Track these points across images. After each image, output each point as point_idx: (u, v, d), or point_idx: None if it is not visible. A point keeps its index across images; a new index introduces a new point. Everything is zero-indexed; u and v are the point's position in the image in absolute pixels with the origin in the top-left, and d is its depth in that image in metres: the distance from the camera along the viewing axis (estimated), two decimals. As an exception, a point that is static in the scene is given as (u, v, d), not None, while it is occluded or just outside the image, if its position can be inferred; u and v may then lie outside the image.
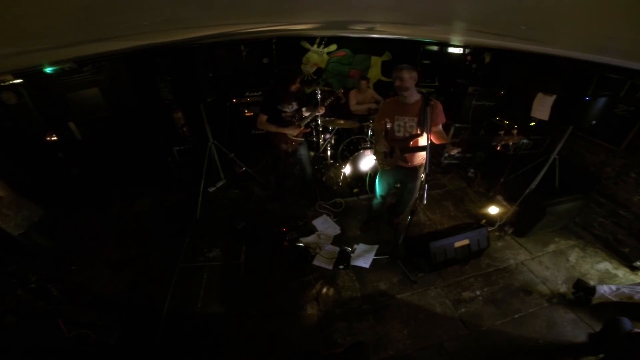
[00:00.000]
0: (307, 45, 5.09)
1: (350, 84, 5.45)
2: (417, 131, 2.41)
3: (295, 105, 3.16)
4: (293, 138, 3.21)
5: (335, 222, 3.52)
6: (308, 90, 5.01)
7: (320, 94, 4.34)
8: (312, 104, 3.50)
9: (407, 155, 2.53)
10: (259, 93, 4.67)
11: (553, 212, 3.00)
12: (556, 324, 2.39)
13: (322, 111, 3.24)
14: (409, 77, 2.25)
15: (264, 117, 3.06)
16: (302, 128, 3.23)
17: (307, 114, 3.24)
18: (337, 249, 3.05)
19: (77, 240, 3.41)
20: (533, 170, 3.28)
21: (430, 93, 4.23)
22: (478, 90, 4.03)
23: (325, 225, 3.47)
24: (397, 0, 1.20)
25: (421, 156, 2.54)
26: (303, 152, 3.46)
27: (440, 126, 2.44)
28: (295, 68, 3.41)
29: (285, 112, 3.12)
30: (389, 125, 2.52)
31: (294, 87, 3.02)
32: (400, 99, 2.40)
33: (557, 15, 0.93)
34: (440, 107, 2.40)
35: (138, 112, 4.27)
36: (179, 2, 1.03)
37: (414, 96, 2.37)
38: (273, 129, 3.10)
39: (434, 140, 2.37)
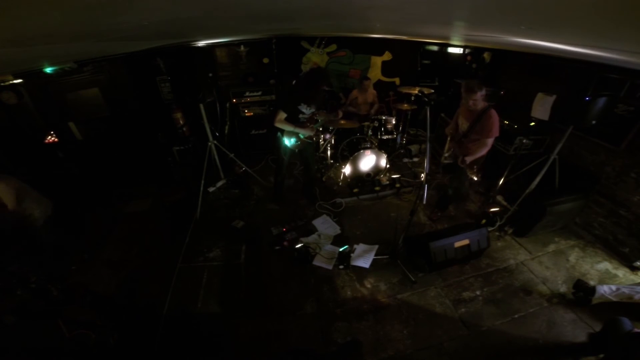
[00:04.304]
0: (307, 45, 5.09)
1: (351, 84, 5.46)
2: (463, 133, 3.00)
3: (313, 109, 3.20)
4: (304, 139, 3.27)
5: (335, 222, 3.52)
6: None
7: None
8: (326, 108, 3.61)
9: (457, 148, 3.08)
10: (259, 93, 4.67)
11: (553, 212, 3.00)
12: (556, 324, 2.39)
13: (340, 115, 3.37)
14: (465, 90, 2.79)
15: (283, 115, 3.04)
16: (315, 130, 3.31)
17: (321, 117, 3.35)
18: (337, 249, 3.05)
19: (77, 240, 3.41)
20: (533, 170, 3.27)
21: (429, 93, 4.25)
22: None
23: (325, 225, 3.47)
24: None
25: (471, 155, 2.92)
26: (310, 150, 3.50)
27: (485, 140, 2.78)
28: (324, 72, 3.46)
29: (304, 113, 3.14)
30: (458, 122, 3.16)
31: (318, 91, 3.07)
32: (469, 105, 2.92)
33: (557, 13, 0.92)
34: (490, 121, 2.74)
35: (138, 112, 4.28)
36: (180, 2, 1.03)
37: (477, 105, 2.81)
38: (290, 127, 3.11)
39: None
